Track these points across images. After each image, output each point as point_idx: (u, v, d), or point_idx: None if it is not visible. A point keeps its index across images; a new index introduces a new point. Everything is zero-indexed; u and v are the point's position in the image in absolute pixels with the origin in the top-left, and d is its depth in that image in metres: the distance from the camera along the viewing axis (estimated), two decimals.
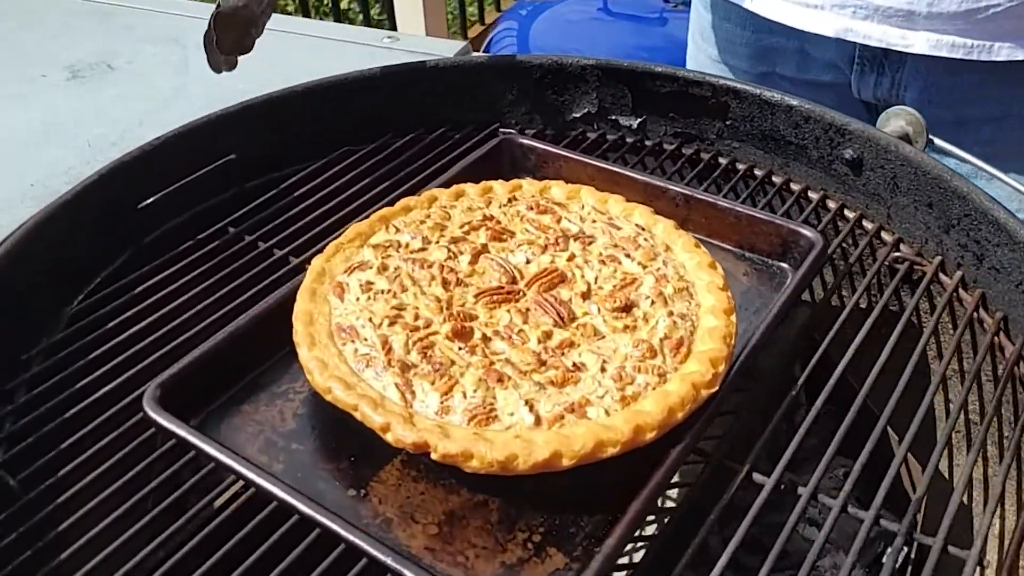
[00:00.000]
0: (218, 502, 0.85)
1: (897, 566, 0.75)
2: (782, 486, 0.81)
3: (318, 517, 0.73)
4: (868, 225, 1.14)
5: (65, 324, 1.01)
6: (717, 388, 0.81)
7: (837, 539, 0.80)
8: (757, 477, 0.82)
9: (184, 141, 1.16)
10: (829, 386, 0.89)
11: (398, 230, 0.99)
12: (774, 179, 1.23)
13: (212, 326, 0.99)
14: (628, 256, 0.95)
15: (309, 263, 1.03)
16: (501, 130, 1.33)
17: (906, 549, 0.75)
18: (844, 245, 1.14)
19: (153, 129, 1.17)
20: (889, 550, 0.75)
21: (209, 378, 0.87)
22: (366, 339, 0.85)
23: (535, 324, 0.87)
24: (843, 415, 0.87)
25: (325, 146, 1.27)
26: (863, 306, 1.01)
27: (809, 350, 0.99)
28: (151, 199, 1.10)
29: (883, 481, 0.80)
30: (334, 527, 0.72)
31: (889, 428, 0.88)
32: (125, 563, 0.76)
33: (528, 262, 0.95)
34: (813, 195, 1.19)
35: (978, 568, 0.73)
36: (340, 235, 0.99)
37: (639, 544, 0.99)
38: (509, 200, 1.04)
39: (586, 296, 0.90)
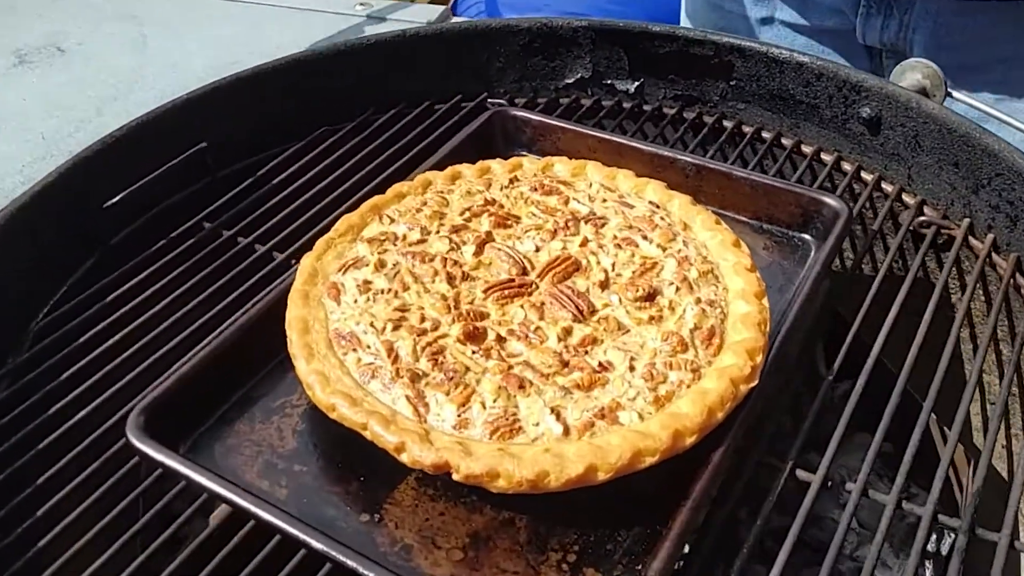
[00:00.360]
0: (216, 527, 0.78)
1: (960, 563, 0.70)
2: (829, 483, 0.76)
3: (332, 553, 0.66)
4: (888, 187, 1.07)
5: (32, 341, 0.92)
6: (757, 382, 0.74)
7: (880, 530, 0.75)
8: (802, 475, 0.76)
9: (150, 130, 1.06)
10: (866, 370, 0.83)
11: (393, 220, 0.90)
12: (783, 142, 1.16)
13: (195, 335, 0.91)
14: (645, 238, 0.87)
15: (296, 260, 0.95)
16: (490, 101, 1.24)
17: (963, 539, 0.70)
18: (863, 210, 1.08)
19: (113, 118, 1.08)
20: (954, 548, 0.69)
21: (197, 398, 0.79)
22: (369, 347, 0.77)
23: (552, 320, 0.79)
24: (869, 391, 0.81)
25: (302, 127, 1.17)
26: (889, 273, 0.95)
27: (832, 325, 0.93)
28: (117, 197, 1.01)
29: (936, 474, 0.75)
30: (350, 563, 0.65)
31: (934, 415, 0.82)
32: None
33: (538, 250, 0.87)
34: (827, 157, 1.12)
35: None
36: (329, 229, 0.91)
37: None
38: (510, 181, 0.96)
39: (604, 285, 0.83)
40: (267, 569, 0.71)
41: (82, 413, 0.84)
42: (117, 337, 0.91)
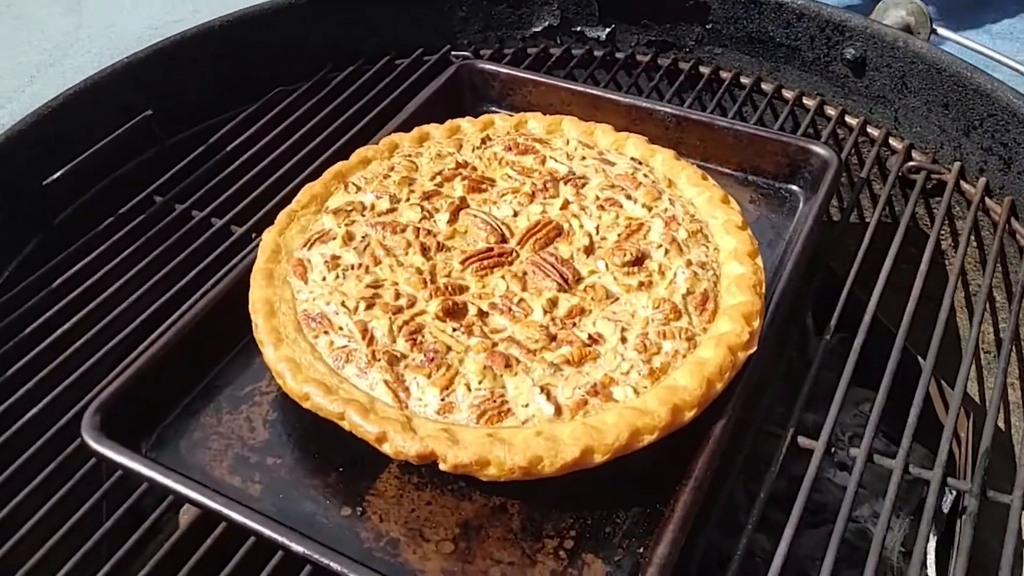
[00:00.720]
0: (189, 526, 0.73)
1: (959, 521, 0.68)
2: (832, 450, 0.72)
3: (314, 556, 0.61)
4: (873, 132, 1.03)
5: None
6: (755, 348, 0.70)
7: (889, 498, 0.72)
8: (804, 442, 0.73)
9: (89, 98, 0.98)
10: (864, 327, 0.80)
11: (359, 188, 0.84)
12: (763, 87, 1.11)
13: (152, 319, 0.85)
14: (629, 197, 0.82)
15: (256, 234, 0.89)
16: (454, 54, 1.17)
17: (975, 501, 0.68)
18: (849, 156, 1.03)
19: (48, 86, 1.00)
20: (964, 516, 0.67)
21: (157, 390, 0.73)
22: (341, 328, 0.72)
23: (536, 290, 0.74)
24: (862, 345, 0.78)
25: (255, 88, 1.10)
26: (879, 220, 0.91)
27: (820, 276, 0.89)
28: (58, 172, 0.93)
29: (943, 435, 0.72)
30: (334, 565, 0.61)
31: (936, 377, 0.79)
32: None
33: (516, 215, 0.82)
34: (809, 102, 1.07)
35: None
36: (290, 199, 0.84)
37: None
38: (482, 141, 0.90)
39: (589, 251, 0.78)
40: (247, 569, 0.66)
41: (35, 410, 0.78)
42: (68, 324, 0.85)
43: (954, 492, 0.80)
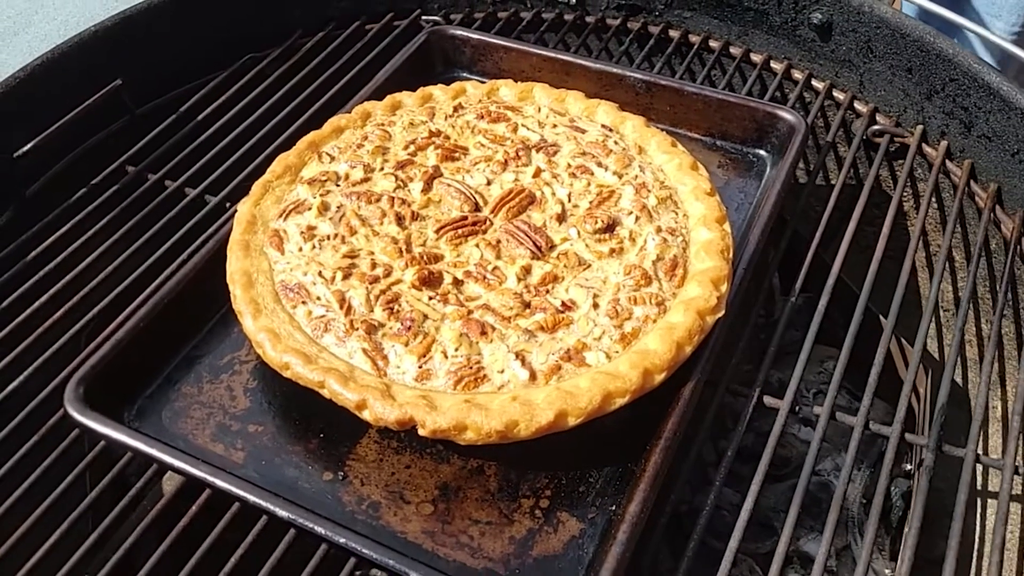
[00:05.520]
0: (173, 494, 0.74)
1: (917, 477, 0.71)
2: (796, 408, 0.75)
3: (298, 520, 0.63)
4: (839, 96, 1.05)
5: None
6: (723, 312, 0.73)
7: (850, 454, 0.75)
8: (769, 401, 0.76)
9: (57, 68, 0.97)
10: (828, 288, 0.82)
11: (333, 158, 0.85)
12: (732, 51, 1.12)
13: (130, 290, 0.86)
14: (600, 165, 0.84)
15: (231, 203, 0.90)
16: (424, 18, 1.17)
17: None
18: (815, 120, 1.05)
19: (14, 55, 1.00)
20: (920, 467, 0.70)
21: (137, 361, 0.75)
22: (319, 298, 0.73)
23: (510, 258, 0.76)
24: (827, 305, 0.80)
25: (225, 56, 1.09)
26: (842, 183, 0.93)
27: (787, 239, 0.91)
28: (29, 144, 0.93)
29: (902, 391, 0.75)
30: (319, 529, 0.63)
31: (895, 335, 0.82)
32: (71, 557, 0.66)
33: (489, 183, 0.83)
34: (776, 66, 1.09)
35: (1016, 477, 0.69)
36: (264, 167, 0.85)
37: None
38: (455, 109, 0.91)
39: (562, 218, 0.79)
40: (231, 535, 0.68)
41: (15, 383, 0.79)
42: (45, 297, 0.85)
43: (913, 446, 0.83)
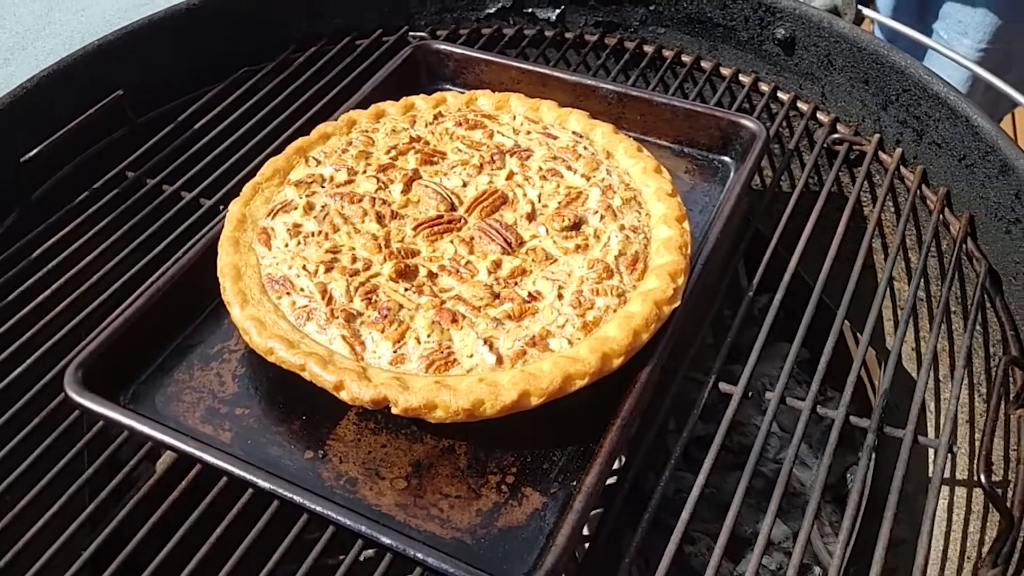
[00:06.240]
0: (164, 472, 0.80)
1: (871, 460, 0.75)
2: (750, 394, 0.80)
3: (279, 491, 0.68)
4: (803, 106, 1.10)
5: None
6: (679, 303, 0.78)
7: (797, 434, 0.80)
8: (724, 387, 0.81)
9: (62, 80, 1.03)
10: (784, 284, 0.87)
11: (319, 162, 0.91)
12: (703, 64, 1.18)
13: (127, 286, 0.91)
14: (570, 168, 0.89)
15: (224, 206, 0.95)
16: (411, 34, 1.23)
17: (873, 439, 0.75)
18: (780, 129, 1.11)
19: (22, 67, 1.06)
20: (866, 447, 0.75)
21: (133, 349, 0.80)
22: (303, 289, 0.79)
23: (482, 253, 0.81)
24: (786, 302, 0.85)
25: (222, 69, 1.15)
26: (804, 189, 0.98)
27: (750, 238, 0.97)
28: (35, 150, 0.98)
29: (848, 378, 0.80)
30: (298, 499, 0.68)
31: (848, 322, 0.86)
32: (70, 566, 0.71)
33: (465, 185, 0.88)
34: (744, 79, 1.15)
35: (948, 456, 0.73)
36: (255, 173, 0.90)
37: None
38: (435, 117, 0.96)
39: (532, 217, 0.85)
40: (216, 511, 0.73)
41: (18, 371, 0.84)
42: (48, 292, 0.91)
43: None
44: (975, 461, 0.67)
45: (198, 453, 0.71)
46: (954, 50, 1.43)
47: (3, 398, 0.83)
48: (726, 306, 1.02)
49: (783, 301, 0.86)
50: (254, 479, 0.69)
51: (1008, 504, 0.69)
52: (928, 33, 1.49)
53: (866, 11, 1.13)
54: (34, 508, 0.75)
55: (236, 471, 0.70)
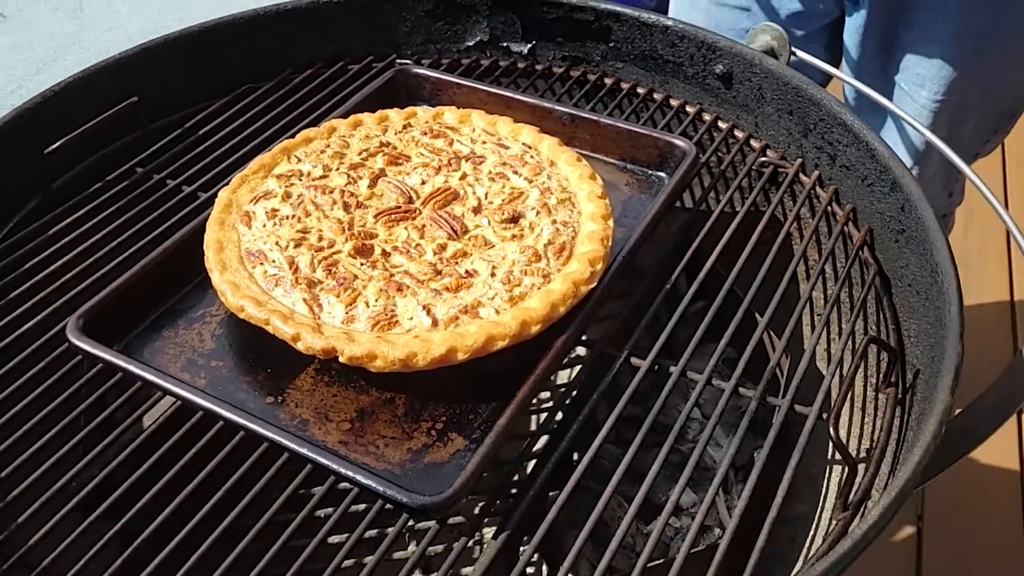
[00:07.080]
0: (146, 420, 0.92)
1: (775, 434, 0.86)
2: (656, 367, 0.92)
3: (240, 420, 0.81)
4: (739, 134, 1.24)
5: None
6: (595, 284, 0.90)
7: (716, 413, 0.90)
8: (635, 361, 0.92)
9: (86, 86, 1.18)
10: (700, 277, 1.00)
11: (300, 160, 1.05)
12: (655, 95, 1.31)
13: (127, 261, 1.04)
14: (516, 172, 1.03)
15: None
16: (398, 61, 1.38)
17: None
18: (719, 153, 1.24)
19: (52, 77, 1.19)
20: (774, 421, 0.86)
21: (128, 307, 0.93)
22: (274, 261, 0.92)
23: (431, 238, 0.94)
24: (706, 293, 0.97)
25: (226, 85, 1.30)
26: (737, 208, 1.11)
27: (688, 250, 1.09)
28: (57, 144, 1.13)
29: (767, 368, 0.91)
30: (256, 428, 0.80)
31: (757, 314, 0.98)
32: (61, 478, 0.83)
33: (423, 183, 1.02)
34: (690, 109, 1.28)
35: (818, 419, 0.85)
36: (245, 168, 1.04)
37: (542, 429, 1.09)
38: (404, 127, 1.10)
39: (477, 211, 0.98)
40: (188, 442, 0.85)
41: (27, 325, 0.97)
42: (58, 264, 1.05)
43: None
44: (827, 417, 0.79)
45: (175, 389, 0.84)
46: (914, 100, 1.57)
47: (14, 347, 0.96)
48: (665, 312, 1.14)
49: (702, 290, 0.98)
50: (221, 412, 0.82)
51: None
52: (891, 85, 1.62)
53: (800, 54, 1.26)
54: (33, 434, 0.87)
55: (207, 405, 0.82)
